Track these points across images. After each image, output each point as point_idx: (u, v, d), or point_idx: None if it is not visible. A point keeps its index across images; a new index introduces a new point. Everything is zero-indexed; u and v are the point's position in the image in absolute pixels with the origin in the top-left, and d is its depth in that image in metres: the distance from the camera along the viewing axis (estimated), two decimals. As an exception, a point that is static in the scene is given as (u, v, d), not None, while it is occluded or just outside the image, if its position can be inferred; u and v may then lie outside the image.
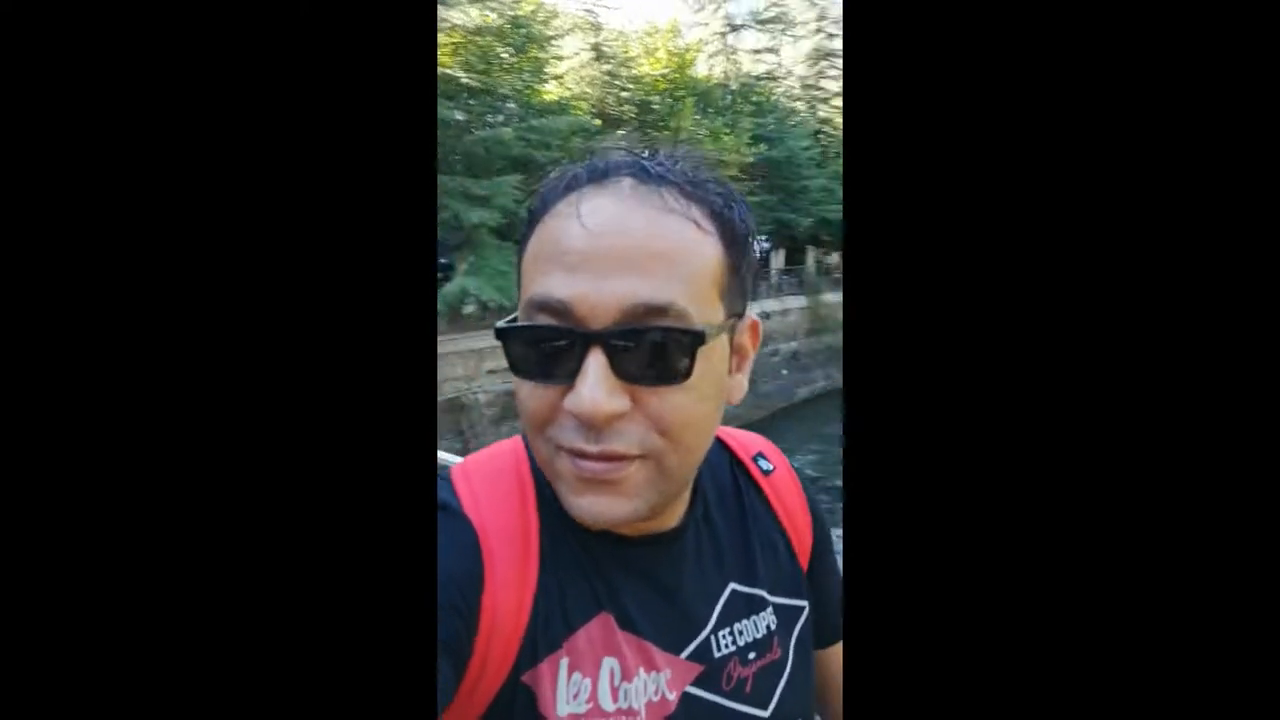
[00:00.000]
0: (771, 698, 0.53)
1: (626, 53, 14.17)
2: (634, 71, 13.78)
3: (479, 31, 10.65)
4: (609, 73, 13.24)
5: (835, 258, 19.10)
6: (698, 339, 0.43)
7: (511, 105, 11.43)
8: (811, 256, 18.14)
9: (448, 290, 9.52)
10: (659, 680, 0.49)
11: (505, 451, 0.53)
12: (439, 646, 0.42)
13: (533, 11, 11.78)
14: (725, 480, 0.58)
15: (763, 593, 0.56)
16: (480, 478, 0.51)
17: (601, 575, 0.49)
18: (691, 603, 0.52)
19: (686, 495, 0.52)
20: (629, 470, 0.44)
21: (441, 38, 10.09)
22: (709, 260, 0.44)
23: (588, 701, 0.47)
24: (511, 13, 10.98)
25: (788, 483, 0.61)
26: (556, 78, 12.71)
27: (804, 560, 0.60)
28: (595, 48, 13.10)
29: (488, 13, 10.73)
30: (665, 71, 13.99)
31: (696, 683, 0.50)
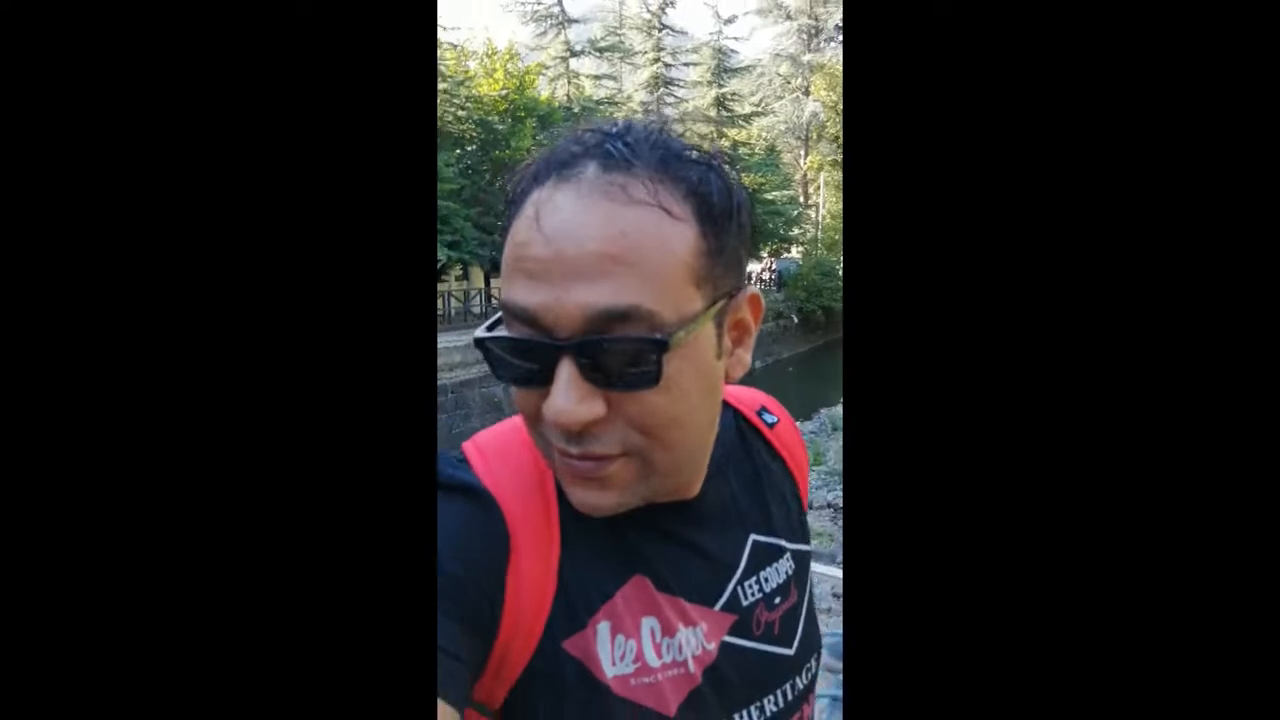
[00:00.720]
0: (794, 637, 0.57)
1: (466, 73, 14.28)
2: (472, 91, 13.92)
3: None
4: (445, 91, 13.29)
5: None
6: (661, 346, 0.42)
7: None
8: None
9: None
10: (698, 633, 0.51)
11: (517, 427, 0.52)
12: (468, 629, 0.44)
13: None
14: (734, 438, 0.59)
15: (781, 541, 0.58)
16: (495, 453, 0.51)
17: (629, 540, 0.50)
18: (718, 557, 0.54)
19: (705, 467, 0.53)
20: (613, 468, 0.45)
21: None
22: (679, 252, 0.43)
23: (635, 661, 0.48)
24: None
25: (790, 431, 0.64)
26: (390, 95, 12.59)
27: (805, 502, 0.63)
28: (431, 66, 13.12)
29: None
30: (504, 92, 14.24)
31: (731, 632, 0.52)
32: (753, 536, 0.56)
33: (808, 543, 0.62)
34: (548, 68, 16.57)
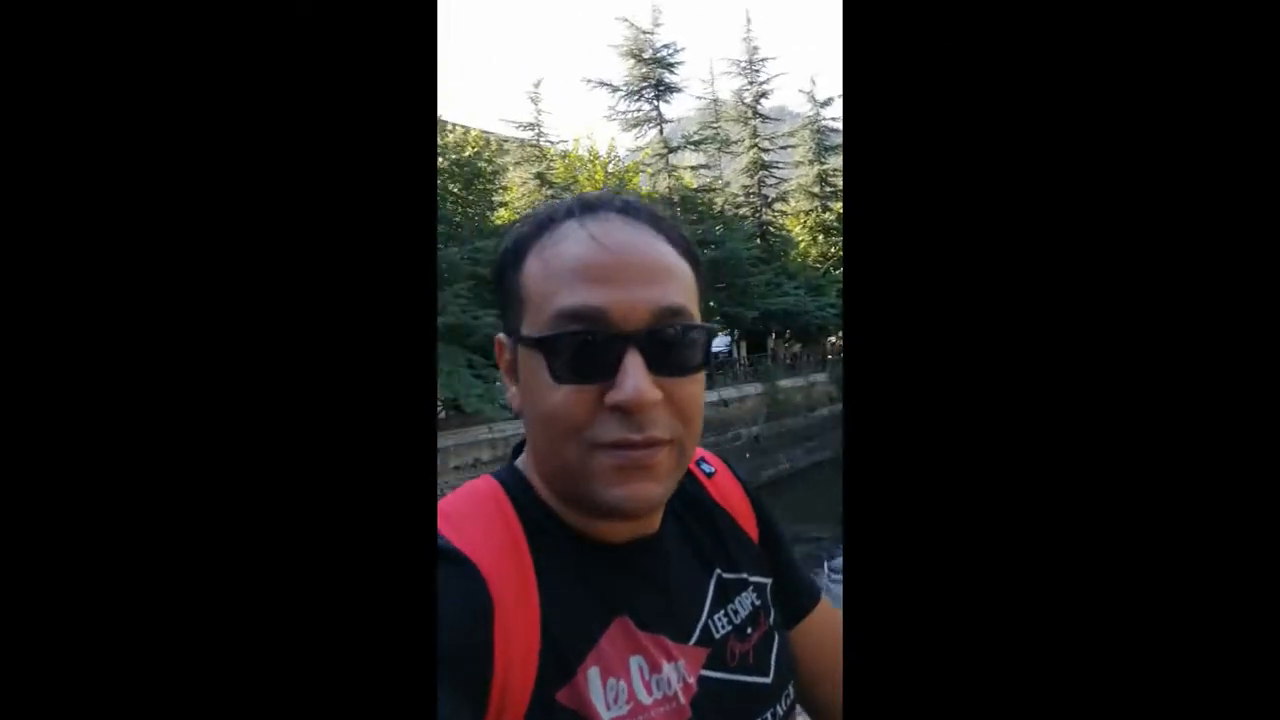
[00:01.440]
0: (770, 665, 0.59)
1: (573, 178, 15.78)
2: (576, 193, 15.30)
3: (430, 173, 12.41)
4: (552, 196, 14.75)
5: (796, 347, 20.22)
6: (712, 334, 0.52)
7: (464, 231, 12.86)
8: (771, 346, 19.23)
9: None
10: (679, 668, 0.53)
11: (478, 489, 0.56)
12: (461, 693, 0.44)
13: (477, 152, 13.50)
14: (682, 483, 0.61)
15: (744, 575, 0.62)
16: (461, 517, 0.53)
17: (605, 584, 0.53)
18: (687, 593, 0.57)
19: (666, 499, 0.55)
20: (661, 455, 0.50)
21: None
22: (691, 276, 0.54)
23: (628, 701, 0.50)
24: (455, 156, 12.66)
25: (728, 481, 0.69)
26: (504, 204, 14.27)
27: (754, 538, 0.67)
28: (539, 175, 14.74)
29: (438, 158, 12.40)
30: (606, 190, 15.51)
31: (707, 665, 0.55)
32: (717, 571, 0.61)
33: (768, 575, 0.66)
34: (647, 165, 17.90)
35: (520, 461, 0.58)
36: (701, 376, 0.53)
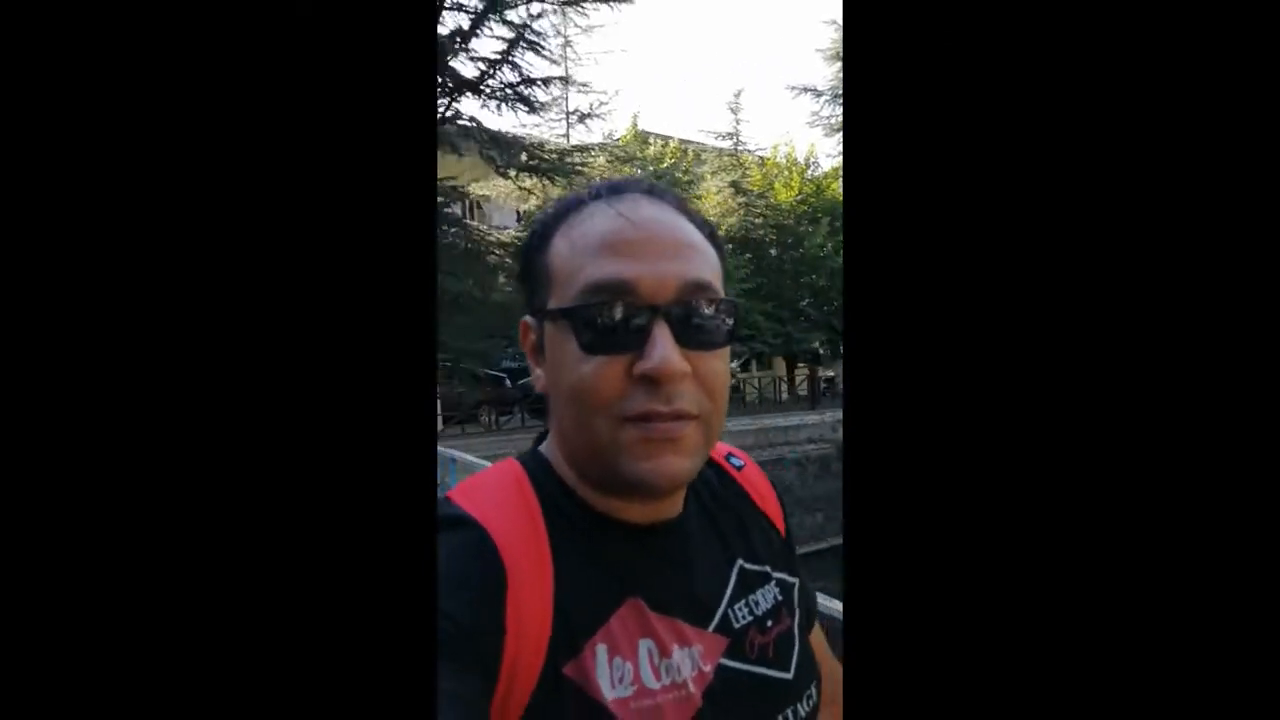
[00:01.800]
0: (791, 661, 0.59)
1: (769, 185, 15.68)
2: (771, 201, 15.18)
3: (629, 185, 13.18)
4: (745, 203, 14.74)
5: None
6: (738, 310, 0.53)
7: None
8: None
9: None
10: (694, 655, 0.53)
11: (499, 468, 0.58)
12: (472, 664, 0.44)
13: (674, 162, 13.92)
14: (709, 474, 0.64)
15: (766, 569, 0.62)
16: (479, 493, 0.54)
17: (621, 564, 0.53)
18: (707, 580, 0.57)
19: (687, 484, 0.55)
20: (689, 429, 0.50)
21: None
22: (715, 256, 0.55)
23: (633, 683, 0.50)
24: (652, 168, 13.19)
25: (758, 476, 0.69)
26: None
27: (783, 533, 0.67)
28: (734, 184, 14.82)
29: (635, 169, 12.99)
30: (801, 197, 15.23)
31: (726, 654, 0.55)
32: (740, 562, 0.61)
33: (793, 575, 0.65)
34: (847, 169, 17.23)
35: (544, 447, 0.59)
36: (727, 353, 0.53)
